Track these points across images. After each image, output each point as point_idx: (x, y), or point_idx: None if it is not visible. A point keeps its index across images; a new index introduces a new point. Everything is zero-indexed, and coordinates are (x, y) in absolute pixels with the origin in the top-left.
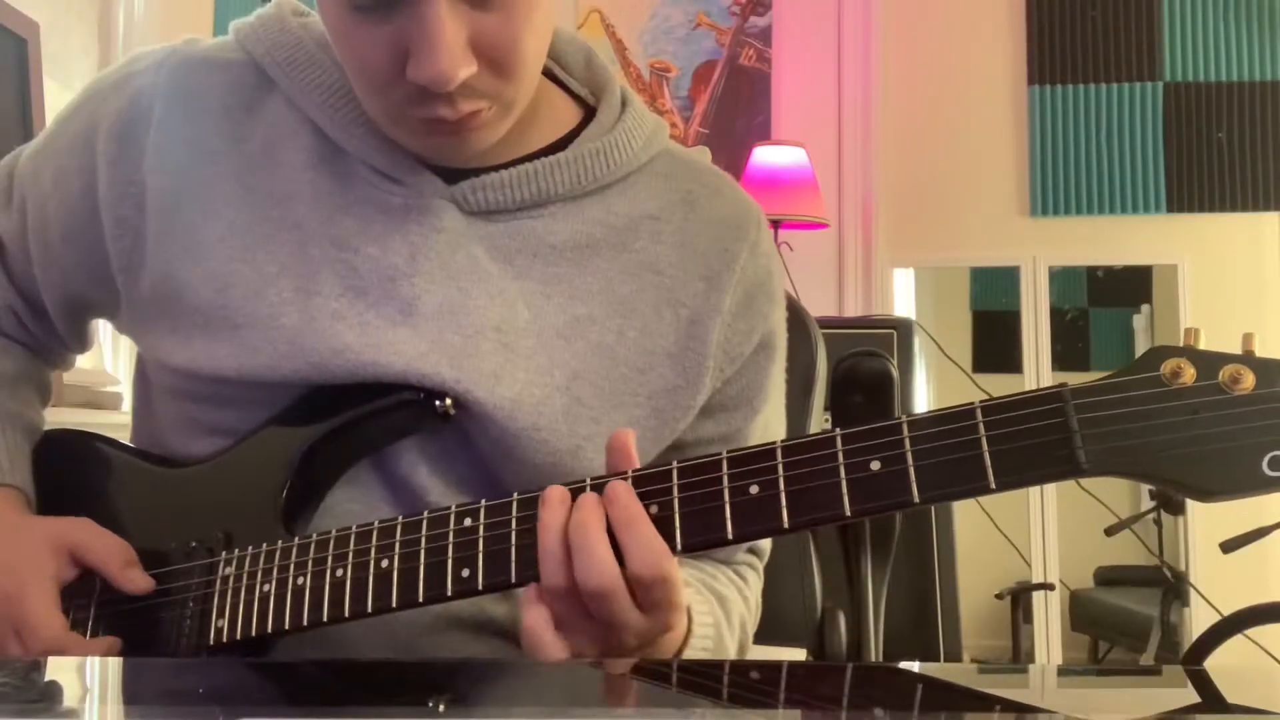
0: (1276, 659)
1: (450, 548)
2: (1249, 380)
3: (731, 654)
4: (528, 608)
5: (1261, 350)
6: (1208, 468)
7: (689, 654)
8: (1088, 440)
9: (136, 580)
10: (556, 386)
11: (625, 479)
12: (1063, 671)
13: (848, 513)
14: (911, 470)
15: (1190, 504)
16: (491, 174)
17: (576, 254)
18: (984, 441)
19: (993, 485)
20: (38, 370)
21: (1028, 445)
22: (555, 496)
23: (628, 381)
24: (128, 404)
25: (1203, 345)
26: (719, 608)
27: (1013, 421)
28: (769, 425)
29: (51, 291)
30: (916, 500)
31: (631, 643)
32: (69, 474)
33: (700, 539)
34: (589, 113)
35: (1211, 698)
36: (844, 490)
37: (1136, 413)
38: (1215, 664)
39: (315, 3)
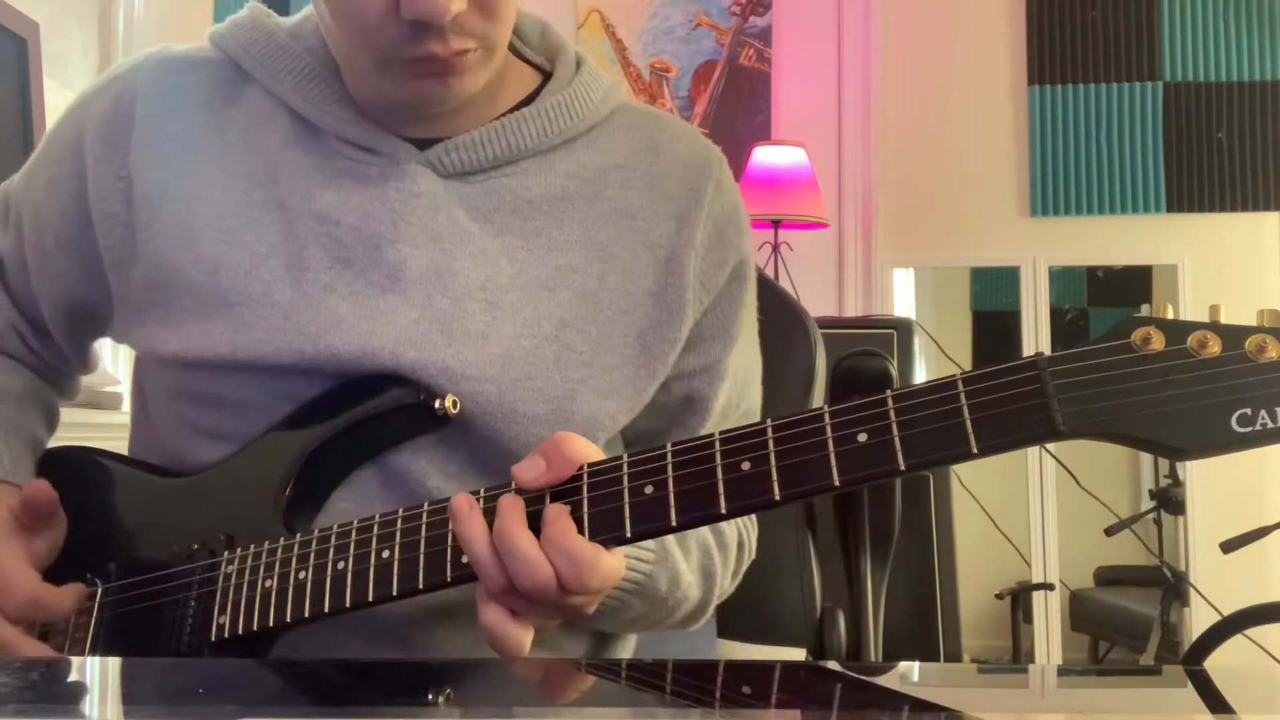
0: (1276, 659)
1: (450, 535)
2: (1215, 345)
3: (685, 572)
4: (483, 608)
5: None
6: (1179, 427)
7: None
8: (1064, 404)
9: None
10: (545, 336)
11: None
12: (1063, 671)
13: (836, 483)
14: (897, 440)
15: (1190, 503)
16: (463, 136)
17: (552, 207)
18: (965, 410)
19: (974, 450)
20: (44, 394)
21: (1007, 411)
22: (464, 506)
23: (614, 324)
24: (128, 404)
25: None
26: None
27: (992, 390)
28: (744, 354)
29: (50, 302)
30: (902, 467)
31: (588, 609)
32: (72, 490)
33: (695, 515)
34: (547, 77)
35: (1211, 698)
36: (832, 462)
37: (1109, 377)
38: (1215, 664)
39: None
